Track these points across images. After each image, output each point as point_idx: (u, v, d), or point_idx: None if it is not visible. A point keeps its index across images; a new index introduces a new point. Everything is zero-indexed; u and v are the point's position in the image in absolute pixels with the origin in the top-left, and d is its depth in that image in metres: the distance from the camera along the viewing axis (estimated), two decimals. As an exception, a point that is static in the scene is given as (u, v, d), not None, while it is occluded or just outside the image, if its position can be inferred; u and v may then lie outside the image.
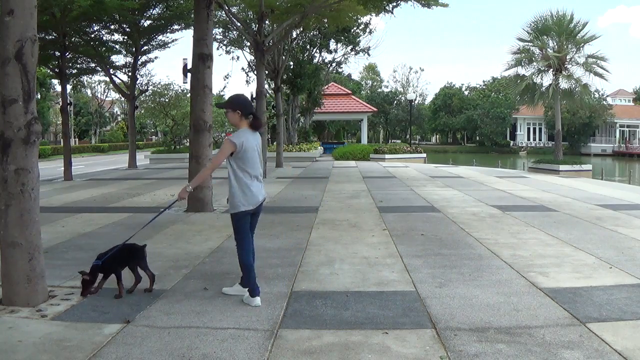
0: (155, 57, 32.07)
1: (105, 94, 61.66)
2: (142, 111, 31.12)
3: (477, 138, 66.40)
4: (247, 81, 35.20)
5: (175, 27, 21.81)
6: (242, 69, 43.52)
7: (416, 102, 65.57)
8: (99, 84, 58.77)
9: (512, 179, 16.41)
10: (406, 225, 8.04)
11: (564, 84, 21.49)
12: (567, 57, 21.38)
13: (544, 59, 21.28)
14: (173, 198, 4.53)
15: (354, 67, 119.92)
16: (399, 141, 61.26)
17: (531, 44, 21.80)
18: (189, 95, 15.71)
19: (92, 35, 20.91)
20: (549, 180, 15.99)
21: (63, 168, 18.14)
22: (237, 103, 4.46)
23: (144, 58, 23.69)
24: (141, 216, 8.90)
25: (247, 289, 4.47)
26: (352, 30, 28.54)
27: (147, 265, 4.75)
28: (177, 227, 8.00)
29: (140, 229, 5.21)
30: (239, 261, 4.47)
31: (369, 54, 31.17)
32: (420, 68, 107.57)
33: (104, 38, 21.86)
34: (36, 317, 4.10)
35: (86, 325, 3.92)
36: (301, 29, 23.10)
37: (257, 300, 4.39)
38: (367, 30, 29.77)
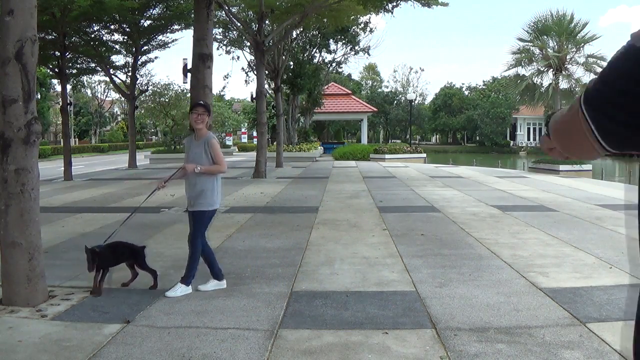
0: (155, 57, 32.09)
1: (105, 94, 61.50)
2: (142, 111, 31.11)
3: (477, 138, 66.33)
4: (246, 81, 35.24)
5: (175, 27, 21.83)
6: (242, 69, 43.44)
7: (416, 102, 65.39)
8: (99, 84, 58.61)
9: (512, 179, 16.41)
10: (406, 225, 8.04)
11: (563, 84, 21.48)
12: (567, 57, 21.35)
13: (544, 59, 21.26)
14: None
15: (354, 67, 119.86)
16: (399, 141, 61.14)
17: (531, 44, 21.77)
18: (189, 95, 15.72)
19: (92, 35, 20.92)
20: (549, 180, 15.98)
21: (63, 168, 18.13)
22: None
23: (144, 58, 23.72)
24: (142, 216, 8.88)
25: (216, 279, 4.79)
26: (352, 29, 28.50)
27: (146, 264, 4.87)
28: (177, 227, 7.99)
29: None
30: (199, 254, 4.67)
31: (368, 54, 31.18)
32: (420, 68, 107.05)
33: (104, 38, 21.88)
34: (36, 317, 4.10)
35: (86, 325, 3.92)
36: (301, 29, 23.10)
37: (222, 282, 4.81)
38: (367, 29, 29.73)
